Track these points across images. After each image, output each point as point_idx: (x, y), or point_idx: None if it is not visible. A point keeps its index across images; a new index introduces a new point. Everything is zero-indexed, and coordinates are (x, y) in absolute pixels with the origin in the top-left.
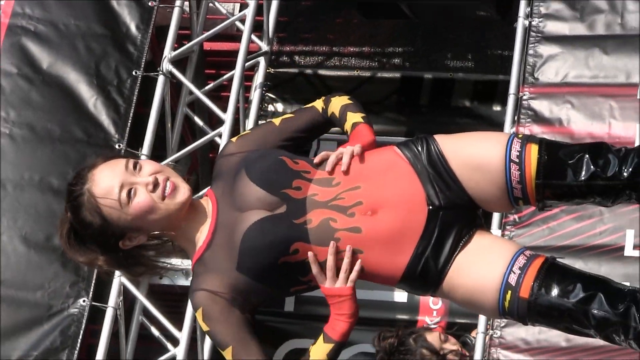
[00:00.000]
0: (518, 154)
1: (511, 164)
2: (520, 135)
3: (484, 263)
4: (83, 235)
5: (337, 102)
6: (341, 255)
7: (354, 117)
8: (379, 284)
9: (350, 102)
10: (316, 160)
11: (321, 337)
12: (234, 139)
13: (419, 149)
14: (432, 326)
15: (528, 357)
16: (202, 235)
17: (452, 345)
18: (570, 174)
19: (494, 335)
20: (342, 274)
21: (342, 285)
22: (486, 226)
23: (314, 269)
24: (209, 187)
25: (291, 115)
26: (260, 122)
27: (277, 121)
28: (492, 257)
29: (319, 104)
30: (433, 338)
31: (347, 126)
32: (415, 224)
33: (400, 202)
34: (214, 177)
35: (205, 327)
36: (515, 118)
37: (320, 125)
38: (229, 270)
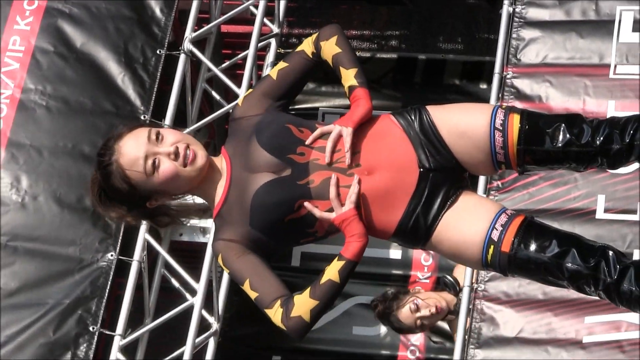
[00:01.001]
0: (502, 122)
1: (495, 131)
2: (503, 106)
3: (469, 220)
4: (111, 196)
5: (328, 50)
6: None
7: (349, 78)
8: (375, 243)
9: (339, 49)
10: (308, 141)
11: (336, 258)
12: (239, 101)
13: (412, 117)
14: (406, 295)
15: (508, 308)
16: (219, 192)
17: (424, 310)
18: (548, 141)
19: (479, 289)
20: (347, 200)
21: (347, 209)
22: (472, 188)
23: (318, 213)
24: (224, 146)
25: (285, 64)
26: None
27: (274, 74)
28: (477, 215)
29: (308, 48)
30: (405, 315)
31: (345, 86)
32: (408, 184)
33: (394, 164)
34: (228, 138)
35: (226, 270)
36: (500, 95)
37: (311, 71)
38: (243, 225)
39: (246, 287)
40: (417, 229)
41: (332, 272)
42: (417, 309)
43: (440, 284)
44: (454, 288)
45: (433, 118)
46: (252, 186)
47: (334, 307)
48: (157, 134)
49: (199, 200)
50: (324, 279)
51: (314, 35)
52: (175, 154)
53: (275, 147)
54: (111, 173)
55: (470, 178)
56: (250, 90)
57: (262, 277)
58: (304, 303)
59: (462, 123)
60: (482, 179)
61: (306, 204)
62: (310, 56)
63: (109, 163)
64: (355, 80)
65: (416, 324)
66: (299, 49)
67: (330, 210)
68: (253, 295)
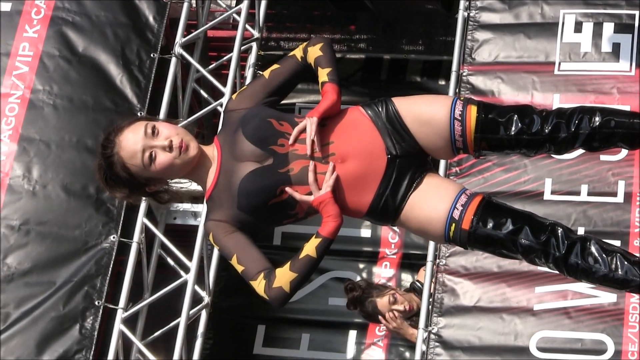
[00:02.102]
0: (460, 112)
1: (454, 120)
2: (462, 98)
3: (433, 200)
4: (116, 181)
5: (312, 54)
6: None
7: (322, 75)
8: (347, 223)
9: (321, 53)
10: (290, 141)
11: (313, 236)
12: (234, 96)
13: (379, 109)
14: (386, 288)
15: (467, 280)
16: (210, 177)
17: (399, 305)
18: (502, 129)
19: (440, 263)
20: (324, 185)
21: (324, 192)
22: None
23: (298, 196)
24: (216, 135)
25: (278, 66)
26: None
27: (267, 74)
28: (440, 196)
29: (298, 53)
30: (382, 304)
31: (319, 82)
32: (377, 169)
33: (364, 152)
34: (221, 128)
35: (216, 246)
36: (457, 91)
37: (300, 73)
38: (231, 208)
39: (234, 261)
40: (386, 209)
41: (310, 248)
42: (395, 302)
43: (410, 288)
44: (421, 293)
45: (398, 109)
46: (238, 173)
47: (311, 281)
48: (153, 128)
49: (193, 186)
50: (302, 254)
51: (305, 43)
52: (170, 146)
53: (258, 138)
54: (113, 164)
55: (432, 162)
56: (245, 86)
57: (247, 252)
58: (284, 275)
59: (424, 113)
60: (442, 166)
61: (287, 189)
62: (300, 60)
63: (111, 155)
64: (327, 77)
65: (388, 315)
66: (291, 54)
67: (309, 194)
68: (240, 268)
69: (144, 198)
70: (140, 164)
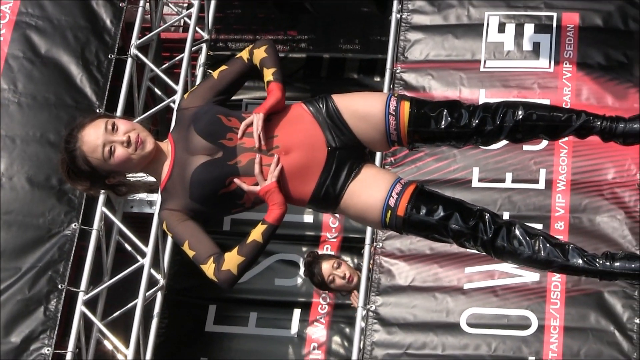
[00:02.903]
0: (394, 108)
1: (389, 115)
2: (396, 94)
3: (370, 189)
4: (78, 174)
5: (257, 55)
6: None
7: (268, 75)
8: (291, 210)
9: (265, 55)
10: (239, 135)
11: (260, 223)
12: (185, 95)
13: (320, 105)
14: (337, 258)
15: (402, 262)
16: (164, 169)
17: (340, 272)
18: (433, 123)
19: (377, 246)
20: (269, 175)
21: (269, 182)
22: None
23: (245, 187)
24: (170, 132)
25: (226, 67)
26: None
27: (215, 74)
28: (376, 185)
29: (245, 54)
30: (326, 267)
31: (265, 81)
32: (318, 160)
33: (306, 145)
34: (174, 125)
35: (169, 233)
36: (391, 86)
37: (247, 73)
38: (184, 198)
39: (185, 247)
40: (327, 198)
41: (256, 233)
42: (338, 267)
43: (357, 267)
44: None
45: (337, 105)
46: (191, 166)
47: (258, 263)
48: (113, 124)
49: (149, 178)
50: (249, 239)
51: (251, 45)
52: (128, 142)
53: (208, 133)
54: (76, 157)
55: (369, 154)
56: (195, 86)
57: (198, 238)
58: (232, 259)
59: (361, 109)
60: (378, 156)
61: (235, 180)
62: (246, 61)
63: (73, 149)
64: (272, 76)
65: (330, 279)
66: (238, 55)
67: (256, 184)
68: (191, 253)
69: (102, 191)
70: (101, 157)
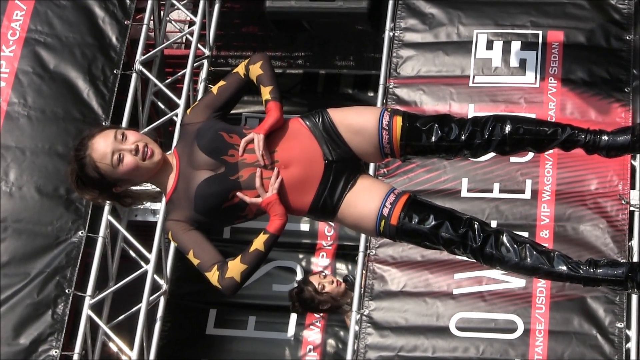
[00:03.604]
0: (387, 122)
1: (382, 130)
2: (389, 109)
3: (365, 199)
4: (86, 183)
5: (253, 72)
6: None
7: (265, 93)
8: (289, 219)
9: (261, 71)
10: (240, 153)
11: (262, 232)
12: (188, 111)
13: (317, 119)
14: (317, 270)
15: (394, 268)
16: (169, 182)
17: (329, 278)
18: (424, 137)
19: (371, 253)
20: (270, 188)
21: (270, 194)
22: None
23: (248, 200)
24: (174, 146)
25: (224, 82)
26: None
27: (215, 90)
28: (371, 195)
29: (241, 70)
30: (314, 278)
31: (262, 99)
32: (316, 173)
33: (304, 158)
34: (178, 139)
35: (174, 243)
36: (384, 101)
37: (244, 88)
38: (188, 210)
39: (190, 256)
40: (325, 208)
41: (259, 242)
42: (324, 277)
43: (343, 279)
44: (352, 284)
45: (333, 119)
46: (195, 180)
47: None
48: (122, 134)
49: (154, 188)
50: (252, 248)
51: (247, 60)
52: (136, 150)
53: (211, 150)
54: (85, 165)
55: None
56: (196, 102)
57: (202, 247)
58: (235, 267)
59: (356, 123)
60: (371, 167)
61: (238, 193)
62: (242, 76)
63: (83, 157)
64: (270, 95)
65: (320, 287)
66: (234, 70)
67: (258, 197)
68: (195, 262)
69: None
70: (110, 164)
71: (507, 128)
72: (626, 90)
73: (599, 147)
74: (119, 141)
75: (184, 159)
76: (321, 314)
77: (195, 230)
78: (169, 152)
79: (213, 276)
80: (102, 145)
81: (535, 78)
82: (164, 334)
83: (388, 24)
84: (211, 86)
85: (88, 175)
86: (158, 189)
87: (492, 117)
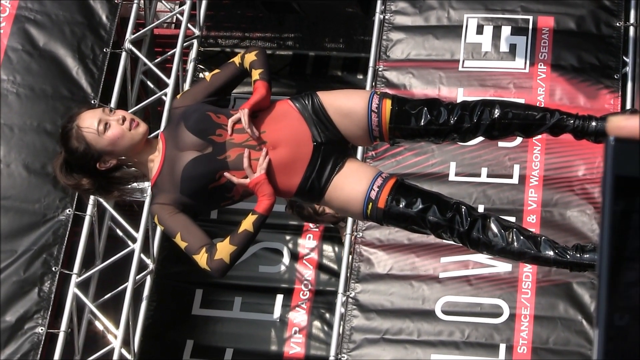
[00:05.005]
0: (377, 105)
1: (372, 113)
2: (378, 92)
3: (353, 182)
4: (70, 163)
5: (248, 59)
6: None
7: (255, 74)
8: (277, 200)
9: (255, 58)
10: (229, 132)
11: (250, 213)
12: (178, 96)
13: (306, 101)
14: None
15: (381, 251)
16: (155, 165)
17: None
18: (413, 120)
19: (358, 236)
20: (258, 168)
21: (258, 174)
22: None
23: (235, 180)
24: (161, 130)
25: (218, 70)
26: (194, 84)
27: (208, 77)
28: (359, 178)
29: (237, 59)
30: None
31: (252, 81)
32: (304, 155)
33: (293, 140)
34: (165, 124)
35: (160, 227)
36: (373, 84)
37: (238, 77)
38: (174, 192)
39: (177, 239)
40: (312, 190)
41: (247, 223)
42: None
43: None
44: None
45: (322, 102)
46: (181, 161)
47: None
48: (110, 109)
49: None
50: (241, 229)
51: (244, 51)
52: (123, 120)
53: (198, 130)
54: (71, 136)
55: (352, 148)
56: (188, 88)
57: (189, 230)
58: (224, 248)
59: (345, 106)
60: (360, 150)
61: (225, 173)
62: (238, 65)
63: (70, 128)
64: (259, 75)
65: (321, 210)
66: (230, 60)
67: (245, 177)
68: (183, 245)
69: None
70: (95, 132)
71: (496, 112)
72: (615, 77)
73: (587, 133)
74: (106, 113)
75: (170, 142)
76: (317, 226)
77: (181, 213)
78: (156, 133)
79: (201, 259)
80: (89, 116)
81: (525, 63)
82: (150, 313)
83: (378, 6)
84: (201, 66)
85: (72, 147)
86: (144, 174)
87: (481, 101)
